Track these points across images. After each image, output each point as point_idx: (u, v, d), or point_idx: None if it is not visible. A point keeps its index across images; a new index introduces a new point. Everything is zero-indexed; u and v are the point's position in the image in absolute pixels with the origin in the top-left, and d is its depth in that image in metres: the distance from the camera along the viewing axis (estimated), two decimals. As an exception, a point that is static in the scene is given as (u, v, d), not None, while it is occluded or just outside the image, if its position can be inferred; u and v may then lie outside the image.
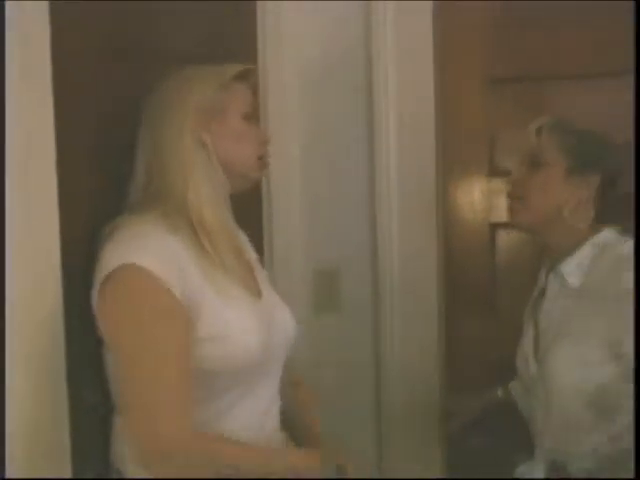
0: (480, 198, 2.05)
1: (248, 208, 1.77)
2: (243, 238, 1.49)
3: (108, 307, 1.23)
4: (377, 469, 2.03)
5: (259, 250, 1.87)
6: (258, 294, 1.40)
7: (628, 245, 1.48)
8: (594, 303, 1.45)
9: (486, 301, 2.06)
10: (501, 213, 1.97)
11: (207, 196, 1.31)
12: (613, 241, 1.50)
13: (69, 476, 1.24)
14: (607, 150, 1.53)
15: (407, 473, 1.96)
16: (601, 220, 1.52)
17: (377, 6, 1.97)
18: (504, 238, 2.05)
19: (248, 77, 1.41)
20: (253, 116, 1.41)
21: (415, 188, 2.00)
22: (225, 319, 1.27)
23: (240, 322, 1.29)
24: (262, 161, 1.41)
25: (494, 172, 2.03)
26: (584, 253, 1.50)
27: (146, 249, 1.23)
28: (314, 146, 2.04)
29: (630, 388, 1.39)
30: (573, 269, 1.50)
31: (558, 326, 1.51)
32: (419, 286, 2.01)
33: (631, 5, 1.76)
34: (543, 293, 1.59)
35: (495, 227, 2.05)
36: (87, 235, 1.30)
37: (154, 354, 1.20)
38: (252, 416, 1.34)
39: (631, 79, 1.69)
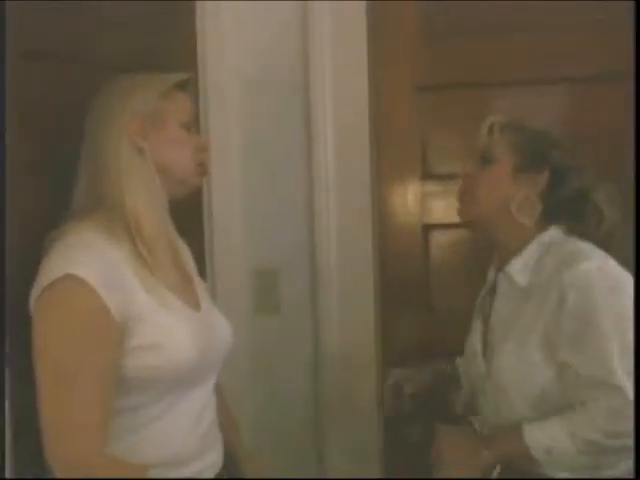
0: (414, 200, 2.08)
1: (189, 209, 1.77)
2: (183, 246, 1.50)
3: (42, 316, 1.23)
4: (317, 467, 2.05)
5: (200, 252, 1.89)
6: (196, 304, 1.41)
7: (573, 244, 1.49)
8: (537, 303, 1.46)
9: (421, 301, 2.09)
10: (434, 215, 2.07)
11: (144, 202, 1.32)
12: (558, 240, 1.51)
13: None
14: (556, 149, 1.54)
15: (347, 472, 1.99)
16: (549, 218, 1.52)
17: (314, 7, 1.99)
18: (438, 239, 2.10)
19: (188, 86, 1.43)
20: (192, 124, 1.42)
21: (352, 190, 2.02)
22: (162, 329, 1.28)
23: (177, 332, 1.30)
24: (202, 167, 1.43)
25: (427, 175, 2.08)
26: (530, 252, 1.50)
27: (85, 260, 1.23)
28: (253, 148, 2.05)
29: (565, 389, 1.41)
30: (520, 268, 1.50)
31: (506, 325, 1.51)
32: (356, 286, 2.04)
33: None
34: (493, 291, 1.59)
35: (428, 228, 2.09)
36: (32, 242, 1.29)
37: (74, 371, 1.20)
38: (185, 418, 1.35)
39: (565, 86, 1.75)
